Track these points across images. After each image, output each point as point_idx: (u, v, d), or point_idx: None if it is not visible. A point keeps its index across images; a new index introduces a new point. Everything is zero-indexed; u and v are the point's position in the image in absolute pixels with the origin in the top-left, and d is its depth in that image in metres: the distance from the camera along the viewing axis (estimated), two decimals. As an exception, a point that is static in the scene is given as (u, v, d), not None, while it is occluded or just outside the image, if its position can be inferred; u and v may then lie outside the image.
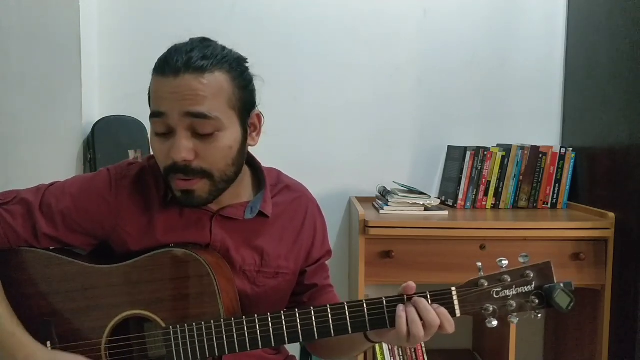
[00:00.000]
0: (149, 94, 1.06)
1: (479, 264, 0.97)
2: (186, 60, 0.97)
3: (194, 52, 0.98)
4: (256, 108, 1.09)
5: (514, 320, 0.96)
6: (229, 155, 1.02)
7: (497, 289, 0.95)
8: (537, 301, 0.94)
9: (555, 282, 0.95)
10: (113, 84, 2.14)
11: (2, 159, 1.94)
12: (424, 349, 1.98)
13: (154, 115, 1.00)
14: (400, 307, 0.94)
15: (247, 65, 1.06)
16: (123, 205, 1.08)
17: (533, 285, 0.95)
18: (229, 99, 1.00)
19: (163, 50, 1.10)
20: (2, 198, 1.07)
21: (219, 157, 1.00)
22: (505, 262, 0.96)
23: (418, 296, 0.95)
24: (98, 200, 1.07)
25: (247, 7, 2.16)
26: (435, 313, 0.93)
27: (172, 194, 1.05)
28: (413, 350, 1.96)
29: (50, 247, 1.09)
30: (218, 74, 0.99)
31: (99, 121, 2.02)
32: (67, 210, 1.06)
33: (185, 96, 0.96)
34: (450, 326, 0.94)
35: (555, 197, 2.10)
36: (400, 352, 1.97)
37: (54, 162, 1.96)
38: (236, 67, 1.02)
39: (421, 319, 0.93)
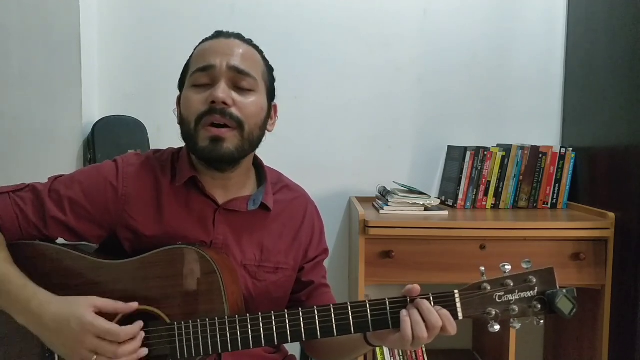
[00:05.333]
0: (185, 67, 1.14)
1: (482, 268, 0.98)
2: (236, 33, 1.14)
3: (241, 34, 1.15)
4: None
5: (516, 325, 0.96)
6: (260, 116, 1.11)
7: (500, 293, 0.95)
8: (539, 306, 0.95)
9: (558, 288, 0.95)
10: (113, 84, 2.14)
11: (2, 159, 1.94)
12: (424, 349, 1.98)
13: (200, 70, 1.07)
14: (404, 312, 0.95)
15: (273, 71, 1.20)
16: (130, 192, 1.11)
17: (536, 291, 0.95)
18: (263, 73, 1.13)
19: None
20: (15, 187, 1.11)
21: (253, 111, 1.09)
22: (508, 267, 0.96)
23: (420, 298, 0.96)
24: (105, 187, 1.10)
25: (247, 7, 2.16)
26: (437, 315, 0.94)
27: (196, 150, 1.07)
28: (413, 350, 1.96)
29: (59, 238, 1.11)
30: (257, 53, 1.15)
31: (99, 121, 2.02)
32: (75, 196, 1.08)
33: (234, 53, 1.09)
34: (452, 328, 0.95)
35: (555, 197, 2.10)
36: (401, 352, 1.97)
37: (54, 162, 1.96)
38: (268, 61, 1.18)
39: (424, 321, 0.94)
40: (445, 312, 0.95)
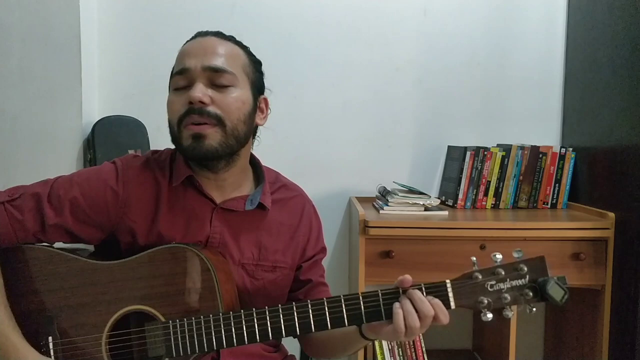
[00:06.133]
0: (172, 71, 1.14)
1: (473, 258, 0.99)
2: (216, 31, 1.14)
3: (222, 32, 1.15)
4: (264, 94, 1.19)
5: (509, 313, 0.97)
6: (242, 110, 1.10)
7: (491, 282, 0.96)
8: (531, 294, 0.95)
9: (550, 276, 0.96)
10: (113, 84, 2.15)
11: (2, 159, 1.94)
12: (423, 349, 1.97)
13: (178, 73, 1.09)
14: (397, 305, 0.96)
15: (261, 65, 1.19)
16: (129, 193, 1.11)
17: (527, 279, 0.96)
18: (244, 66, 1.12)
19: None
20: (10, 194, 1.08)
21: (233, 106, 1.08)
22: (499, 257, 0.98)
23: (412, 288, 0.97)
24: (105, 189, 1.10)
25: (247, 7, 2.16)
26: (429, 304, 0.95)
27: (182, 151, 1.09)
28: (413, 350, 1.96)
29: (58, 241, 1.10)
30: (237, 48, 1.13)
31: (99, 121, 2.02)
32: (74, 199, 1.08)
33: (207, 51, 1.08)
34: (444, 317, 0.96)
35: (555, 197, 2.10)
36: (400, 352, 1.97)
37: (54, 162, 1.96)
38: (253, 56, 1.17)
39: (416, 310, 0.95)
40: (437, 301, 0.96)
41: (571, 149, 2.09)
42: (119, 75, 2.15)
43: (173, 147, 1.20)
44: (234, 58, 1.10)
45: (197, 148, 1.06)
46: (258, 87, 1.15)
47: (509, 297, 0.96)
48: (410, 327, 0.94)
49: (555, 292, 0.93)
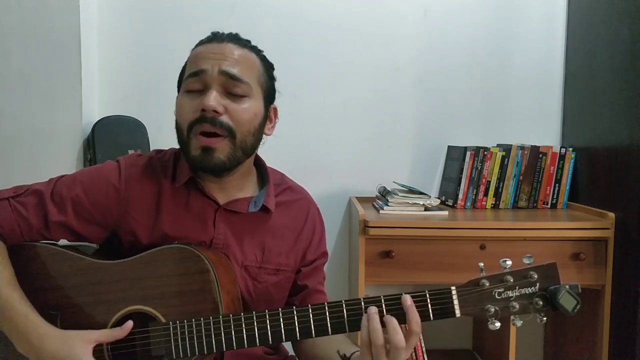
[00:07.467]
0: (182, 69, 1.13)
1: (481, 264, 0.95)
2: (232, 34, 1.11)
3: (238, 35, 1.13)
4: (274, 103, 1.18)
5: (518, 322, 0.93)
6: (253, 123, 1.08)
7: (499, 290, 0.93)
8: (541, 303, 0.92)
9: (561, 284, 0.92)
10: (113, 84, 2.14)
11: (2, 159, 1.94)
12: (423, 349, 1.97)
13: (192, 75, 1.06)
14: (364, 324, 0.92)
15: (274, 69, 1.18)
16: (132, 193, 1.10)
17: (537, 287, 0.92)
18: (259, 77, 1.10)
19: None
20: (15, 191, 1.09)
21: (245, 118, 1.07)
22: (508, 263, 0.93)
23: (415, 297, 0.93)
24: (107, 188, 1.10)
25: (247, 7, 2.16)
26: (402, 335, 0.90)
27: (189, 159, 1.07)
28: (413, 350, 1.96)
29: (61, 239, 1.11)
30: (254, 55, 1.11)
31: (99, 121, 2.02)
32: (77, 197, 1.08)
33: (226, 57, 1.06)
34: (417, 327, 0.91)
35: (555, 197, 2.10)
36: (400, 352, 1.96)
37: (54, 162, 1.96)
38: (267, 61, 1.15)
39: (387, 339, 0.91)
40: (394, 322, 0.91)
41: (571, 149, 2.09)
42: (119, 75, 2.14)
43: (176, 147, 1.20)
44: (250, 67, 1.08)
45: (205, 161, 1.05)
46: (270, 96, 1.14)
47: (517, 306, 0.91)
48: (375, 344, 0.90)
49: (567, 301, 0.89)
